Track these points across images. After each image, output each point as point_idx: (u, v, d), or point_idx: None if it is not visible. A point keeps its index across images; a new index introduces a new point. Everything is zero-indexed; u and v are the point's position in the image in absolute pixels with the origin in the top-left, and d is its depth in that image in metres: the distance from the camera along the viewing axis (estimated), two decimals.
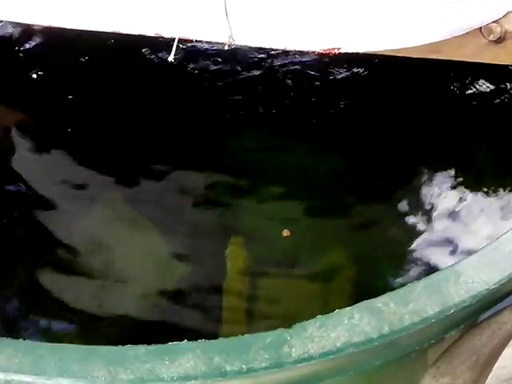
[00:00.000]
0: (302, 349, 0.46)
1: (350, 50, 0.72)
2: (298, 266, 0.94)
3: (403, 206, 1.01)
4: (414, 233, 0.97)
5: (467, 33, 0.82)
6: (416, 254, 0.94)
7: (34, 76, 1.19)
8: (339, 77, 1.20)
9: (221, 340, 0.47)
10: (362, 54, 0.75)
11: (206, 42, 0.93)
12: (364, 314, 0.49)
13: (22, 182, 1.02)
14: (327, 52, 0.71)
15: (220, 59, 1.20)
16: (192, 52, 1.19)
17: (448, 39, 0.76)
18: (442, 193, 1.02)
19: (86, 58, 1.23)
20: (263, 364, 0.45)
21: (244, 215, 1.01)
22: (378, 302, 0.50)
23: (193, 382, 0.45)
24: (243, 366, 0.45)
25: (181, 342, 0.47)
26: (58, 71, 1.22)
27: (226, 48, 0.74)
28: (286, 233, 0.95)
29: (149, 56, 1.22)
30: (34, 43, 1.25)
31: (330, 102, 1.17)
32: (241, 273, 0.94)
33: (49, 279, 0.90)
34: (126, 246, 0.97)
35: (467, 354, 0.60)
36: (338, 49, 0.71)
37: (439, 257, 0.92)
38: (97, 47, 1.19)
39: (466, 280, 0.51)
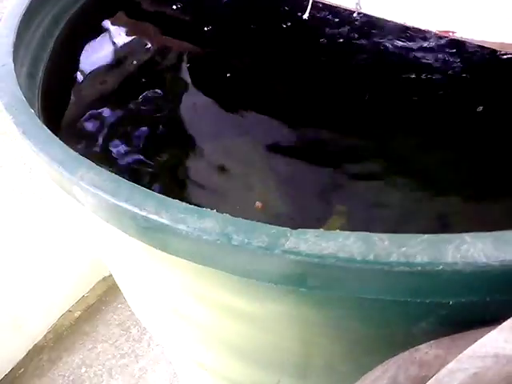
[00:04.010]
0: (294, 244, 0.56)
1: (465, 36, 0.74)
2: None
3: None
4: None
5: None
6: None
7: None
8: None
9: (238, 218, 0.59)
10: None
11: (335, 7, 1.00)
12: (358, 239, 0.55)
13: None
14: (442, 34, 0.74)
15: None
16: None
17: None
18: None
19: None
20: (260, 244, 0.56)
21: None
22: (376, 236, 0.55)
23: (207, 237, 0.58)
24: (245, 240, 0.57)
25: (210, 210, 0.60)
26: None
27: (355, 15, 0.82)
28: (258, 204, 0.85)
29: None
30: None
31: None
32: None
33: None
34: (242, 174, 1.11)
35: (474, 341, 0.61)
36: (453, 32, 0.74)
37: None
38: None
39: (468, 248, 0.53)
